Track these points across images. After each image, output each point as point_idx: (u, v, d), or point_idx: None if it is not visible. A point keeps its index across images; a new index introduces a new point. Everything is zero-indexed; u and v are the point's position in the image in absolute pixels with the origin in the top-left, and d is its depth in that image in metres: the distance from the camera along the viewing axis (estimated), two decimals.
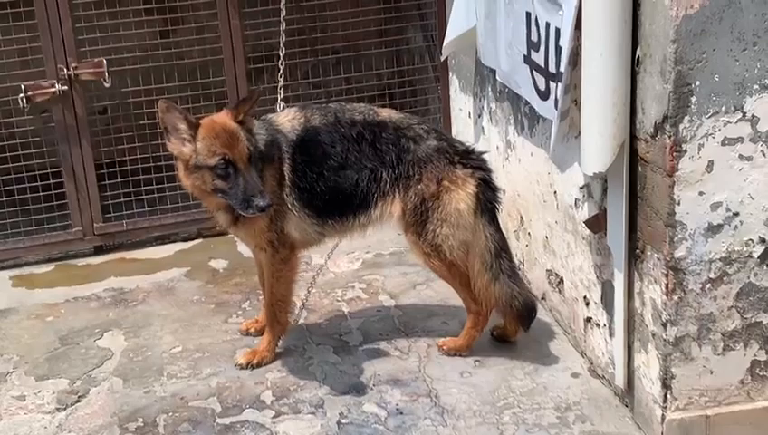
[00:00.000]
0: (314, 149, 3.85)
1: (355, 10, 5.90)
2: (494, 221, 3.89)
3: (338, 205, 3.89)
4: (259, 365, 4.02)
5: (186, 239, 5.40)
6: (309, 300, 4.54)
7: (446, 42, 4.87)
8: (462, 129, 5.40)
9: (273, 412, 3.72)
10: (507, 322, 4.06)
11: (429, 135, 3.90)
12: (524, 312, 3.90)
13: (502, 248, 3.88)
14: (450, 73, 5.51)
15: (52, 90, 4.97)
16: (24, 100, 4.91)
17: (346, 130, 3.88)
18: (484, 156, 3.98)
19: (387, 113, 3.98)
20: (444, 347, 4.04)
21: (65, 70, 4.96)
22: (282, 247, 3.89)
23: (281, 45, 4.73)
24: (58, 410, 3.82)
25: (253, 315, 4.46)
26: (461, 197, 3.81)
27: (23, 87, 4.91)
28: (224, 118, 3.69)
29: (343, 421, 3.65)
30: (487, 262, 3.85)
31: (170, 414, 3.75)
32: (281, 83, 4.73)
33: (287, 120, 3.92)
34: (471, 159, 3.89)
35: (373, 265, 4.95)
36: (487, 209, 3.86)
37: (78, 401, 3.87)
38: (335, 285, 4.76)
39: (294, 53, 5.66)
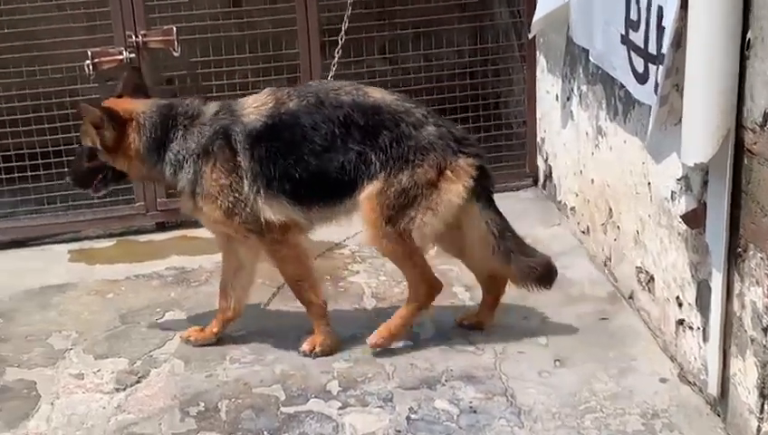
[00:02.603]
0: (289, 134, 3.88)
1: None
2: (491, 204, 4.00)
3: (323, 190, 3.92)
4: (324, 353, 4.09)
5: None
6: (378, 289, 4.59)
7: (535, 18, 4.87)
8: (548, 112, 5.39)
9: (340, 404, 3.78)
10: (482, 309, 4.26)
11: (428, 120, 3.94)
12: (545, 276, 4.07)
13: (505, 229, 4.00)
14: (537, 53, 5.49)
15: (120, 57, 5.08)
16: (91, 67, 5.03)
17: (330, 112, 3.88)
18: (477, 141, 4.09)
19: (379, 94, 3.99)
20: (376, 343, 4.07)
21: (134, 37, 5.07)
22: (268, 231, 3.95)
23: (345, 18, 4.77)
24: (117, 390, 3.93)
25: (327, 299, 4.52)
26: (459, 190, 3.88)
27: (89, 54, 5.03)
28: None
29: (413, 417, 3.69)
30: (494, 245, 3.97)
31: (233, 400, 3.83)
32: (336, 59, 4.79)
33: (253, 106, 3.95)
34: (470, 147, 3.96)
35: (447, 255, 4.96)
36: (484, 195, 3.96)
37: (138, 382, 3.98)
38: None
39: (370, 26, 5.71)
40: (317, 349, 4.09)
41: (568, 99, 4.99)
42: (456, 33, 6.14)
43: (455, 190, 3.87)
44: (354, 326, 4.28)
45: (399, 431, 3.60)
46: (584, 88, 4.71)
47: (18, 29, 5.27)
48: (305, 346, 4.11)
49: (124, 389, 3.94)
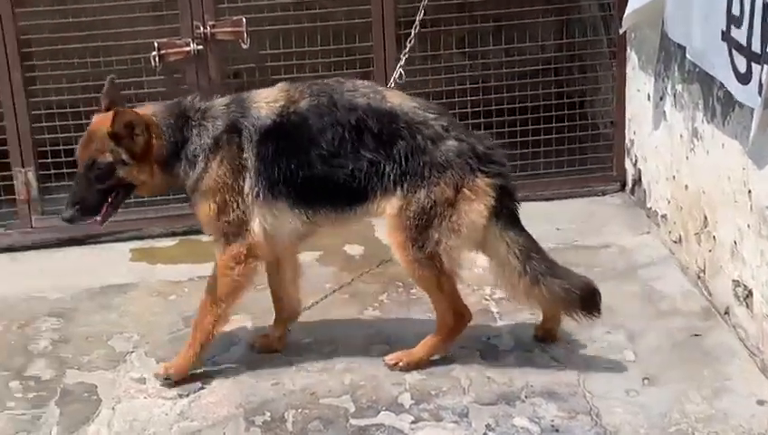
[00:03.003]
0: (296, 136, 3.88)
1: None
2: (514, 225, 3.94)
3: (329, 196, 3.92)
4: (162, 377, 4.05)
5: None
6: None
7: (627, 12, 4.84)
8: (638, 112, 5.35)
9: (412, 417, 3.80)
10: (546, 320, 4.22)
11: (449, 133, 3.89)
12: (588, 300, 3.95)
13: (529, 249, 3.92)
14: (628, 49, 5.45)
15: (187, 49, 5.17)
16: (157, 58, 5.12)
17: (342, 115, 3.86)
18: (503, 157, 4.00)
19: (397, 99, 3.95)
20: (396, 363, 4.08)
21: (201, 28, 5.15)
22: (236, 243, 3.92)
23: (421, 7, 4.78)
24: (180, 396, 3.99)
25: (390, 310, 4.56)
26: (480, 210, 3.86)
27: (155, 45, 5.12)
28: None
29: (490, 434, 3.69)
30: (518, 269, 3.90)
31: (300, 410, 3.87)
32: (405, 52, 4.81)
33: (266, 101, 3.94)
34: (492, 165, 3.91)
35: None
36: (504, 214, 3.91)
37: (201, 389, 4.04)
38: (483, 281, 4.77)
39: (448, 18, 5.73)
40: (170, 371, 4.04)
41: (661, 98, 4.94)
42: (539, 26, 6.12)
43: (475, 210, 3.86)
44: (426, 336, 4.29)
45: None
46: (679, 87, 4.67)
47: (82, 18, 5.38)
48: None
49: (187, 395, 4.00)
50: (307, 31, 5.47)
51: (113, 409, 3.93)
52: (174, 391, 4.02)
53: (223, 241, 3.96)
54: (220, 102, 4.00)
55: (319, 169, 3.87)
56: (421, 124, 3.88)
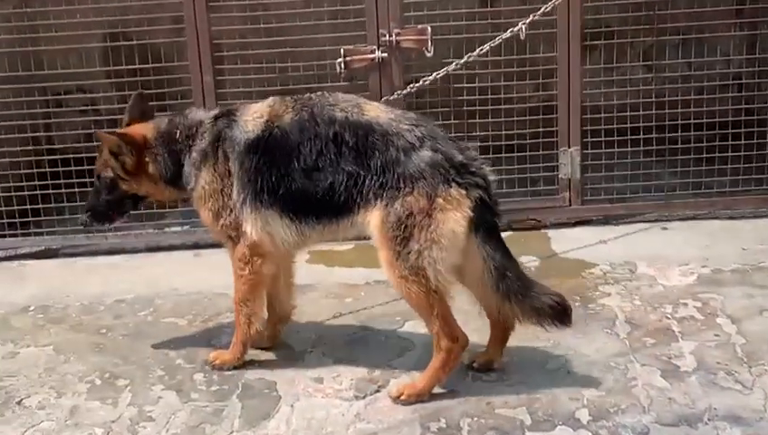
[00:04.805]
0: (277, 149, 3.98)
1: None
2: (492, 239, 3.90)
3: (312, 208, 3.98)
4: (216, 367, 4.28)
5: None
6: (633, 314, 4.51)
7: None
8: None
9: (590, 434, 3.73)
10: (490, 346, 4.17)
11: (423, 144, 3.86)
12: (556, 317, 3.95)
13: (505, 267, 3.90)
14: None
15: (371, 56, 5.26)
16: (342, 65, 5.22)
17: (321, 129, 3.94)
18: (484, 169, 3.91)
19: (375, 112, 3.97)
20: (399, 396, 3.99)
21: (387, 36, 5.22)
22: (240, 244, 4.08)
23: None
24: (356, 397, 4.05)
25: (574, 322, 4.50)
26: (457, 218, 3.80)
27: (341, 51, 5.21)
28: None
29: None
30: (491, 285, 3.89)
31: (475, 419, 3.86)
32: None
33: (251, 116, 4.07)
34: (469, 175, 3.85)
35: (710, 282, 4.82)
36: (483, 228, 3.86)
37: (377, 392, 4.08)
38: (664, 299, 4.69)
39: (631, 31, 5.63)
40: (216, 362, 4.29)
41: None
42: (726, 40, 5.95)
43: (451, 219, 3.80)
44: (605, 354, 4.23)
45: None
46: None
47: (271, 24, 5.54)
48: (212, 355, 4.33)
49: (363, 397, 4.05)
50: (488, 40, 5.44)
51: (292, 406, 4.01)
52: (351, 392, 4.08)
53: (230, 244, 4.15)
54: (209, 115, 4.19)
55: (300, 182, 3.96)
56: (395, 136, 3.89)
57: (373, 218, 3.90)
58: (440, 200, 3.81)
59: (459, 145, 3.99)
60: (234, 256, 4.16)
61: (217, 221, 4.11)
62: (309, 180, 3.95)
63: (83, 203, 4.50)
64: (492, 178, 3.95)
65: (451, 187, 3.83)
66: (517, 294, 3.91)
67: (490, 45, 4.98)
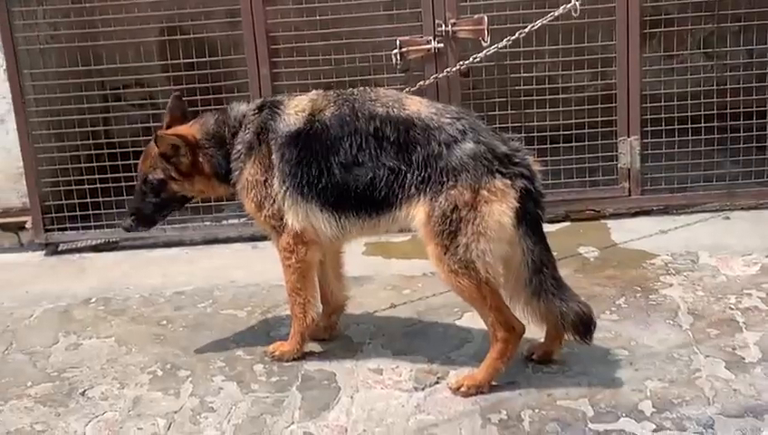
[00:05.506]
0: (318, 143, 3.98)
1: None
2: (534, 232, 3.85)
3: (353, 202, 3.97)
4: (277, 358, 4.29)
5: (551, 221, 5.45)
6: (695, 304, 4.45)
7: None
8: None
9: (654, 426, 3.69)
10: (549, 340, 4.09)
11: (465, 136, 3.83)
12: (579, 326, 3.91)
13: (542, 262, 3.86)
14: None
15: (428, 47, 5.24)
16: (398, 55, 5.20)
17: (362, 124, 3.92)
18: (529, 160, 3.86)
19: (416, 107, 3.93)
20: (458, 387, 3.95)
21: (443, 26, 5.19)
22: (284, 234, 4.09)
23: None
24: (416, 389, 4.04)
25: (629, 315, 4.45)
26: (503, 210, 3.76)
27: (398, 42, 5.20)
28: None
29: None
30: (525, 278, 3.86)
31: (536, 411, 3.83)
32: None
33: (294, 109, 4.08)
34: (513, 166, 3.81)
35: None
36: (527, 220, 3.81)
37: (437, 383, 4.07)
38: (728, 290, 4.63)
39: (689, 18, 5.56)
40: (276, 353, 4.29)
41: None
42: None
43: (497, 210, 3.76)
44: (668, 345, 4.18)
45: None
46: None
47: (326, 16, 5.54)
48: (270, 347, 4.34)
49: (423, 388, 4.04)
50: (547, 29, 5.39)
51: (352, 397, 4.01)
52: (410, 384, 4.07)
53: (275, 234, 4.16)
54: (252, 107, 4.18)
55: (340, 176, 3.95)
56: (436, 130, 3.86)
57: (418, 214, 3.89)
58: (485, 192, 3.79)
59: (502, 136, 3.97)
60: (278, 246, 4.17)
61: (261, 211, 4.13)
62: (349, 175, 3.96)
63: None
64: (536, 167, 3.91)
65: (495, 178, 3.80)
66: (548, 292, 3.89)
67: (542, 22, 4.89)
